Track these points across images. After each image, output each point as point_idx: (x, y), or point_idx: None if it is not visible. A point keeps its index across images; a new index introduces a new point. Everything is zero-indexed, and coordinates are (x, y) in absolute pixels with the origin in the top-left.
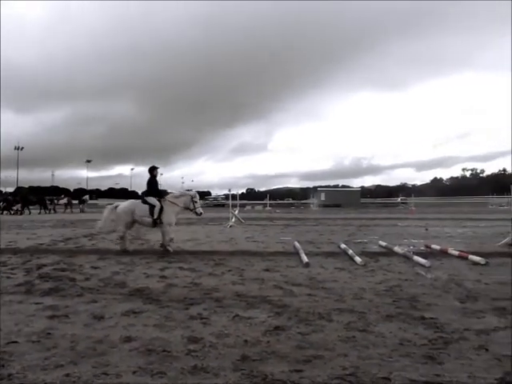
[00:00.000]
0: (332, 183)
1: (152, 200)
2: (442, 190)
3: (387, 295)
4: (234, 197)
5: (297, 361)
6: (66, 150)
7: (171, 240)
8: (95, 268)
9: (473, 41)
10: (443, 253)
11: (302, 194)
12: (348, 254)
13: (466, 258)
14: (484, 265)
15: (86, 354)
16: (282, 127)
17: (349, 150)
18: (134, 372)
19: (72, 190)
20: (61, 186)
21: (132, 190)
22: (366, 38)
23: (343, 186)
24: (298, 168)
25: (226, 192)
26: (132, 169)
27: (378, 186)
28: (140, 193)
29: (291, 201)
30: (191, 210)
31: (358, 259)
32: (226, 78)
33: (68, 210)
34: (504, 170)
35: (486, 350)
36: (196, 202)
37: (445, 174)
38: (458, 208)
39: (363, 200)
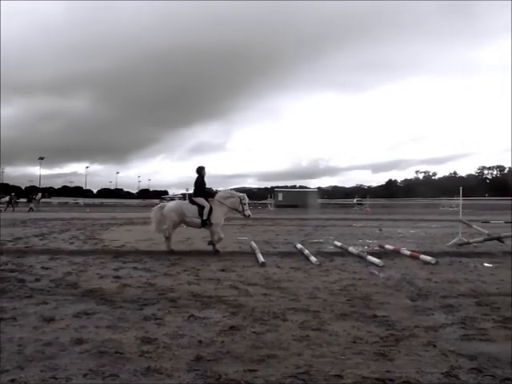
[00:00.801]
0: (290, 184)
1: (201, 200)
2: (396, 192)
3: (341, 294)
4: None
5: (251, 360)
6: (17, 146)
7: (220, 239)
8: (46, 268)
9: (428, 46)
10: (396, 253)
11: (259, 195)
12: (304, 254)
13: (418, 258)
14: (434, 264)
15: (34, 357)
16: (240, 127)
17: (307, 151)
18: (85, 375)
19: (23, 188)
20: (11, 183)
21: (87, 188)
22: (324, 40)
23: (300, 187)
24: (256, 168)
25: (184, 191)
26: (87, 167)
27: (335, 187)
28: (95, 191)
29: (248, 201)
30: (239, 212)
31: (313, 259)
32: (184, 76)
33: (10, 209)
34: (455, 172)
35: (434, 345)
36: (245, 203)
37: (399, 176)
38: (411, 209)
39: (320, 201)
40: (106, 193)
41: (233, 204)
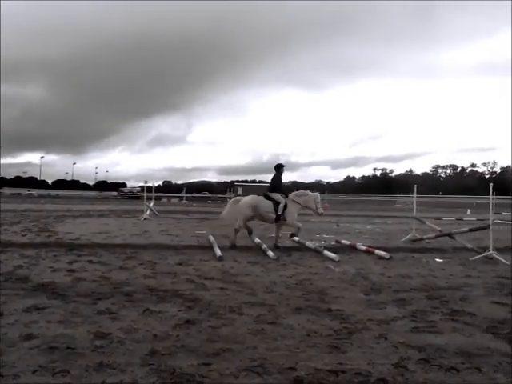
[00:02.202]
0: (250, 178)
1: (277, 196)
2: (355, 188)
3: (297, 288)
4: (149, 189)
5: (206, 354)
6: None
7: (299, 229)
8: None
9: (388, 48)
10: (352, 248)
11: (219, 188)
12: (262, 249)
13: (373, 253)
14: (388, 259)
15: None
16: (202, 120)
17: (268, 146)
18: (34, 372)
19: None
20: None
21: (42, 179)
22: (289, 38)
23: (260, 182)
24: (216, 162)
25: (142, 184)
26: (42, 157)
27: (295, 183)
28: (50, 182)
29: (208, 194)
30: (312, 210)
31: (270, 253)
32: (145, 66)
33: None
34: (411, 170)
35: (386, 338)
36: (318, 202)
37: (358, 172)
38: (368, 205)
39: None
40: (61, 184)
41: (306, 202)
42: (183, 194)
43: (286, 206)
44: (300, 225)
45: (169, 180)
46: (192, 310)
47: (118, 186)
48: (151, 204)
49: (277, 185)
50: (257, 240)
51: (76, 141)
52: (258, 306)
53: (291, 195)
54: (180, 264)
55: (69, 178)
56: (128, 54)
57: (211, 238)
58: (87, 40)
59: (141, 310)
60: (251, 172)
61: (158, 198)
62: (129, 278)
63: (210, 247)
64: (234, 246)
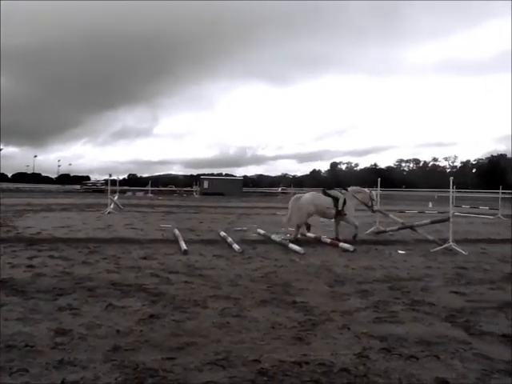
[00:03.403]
0: (216, 171)
1: (335, 192)
2: (320, 182)
3: (262, 281)
4: (114, 182)
5: (170, 349)
6: None
7: (357, 227)
8: None
9: (356, 45)
10: (317, 241)
11: (185, 182)
12: (227, 242)
13: (337, 246)
14: (352, 252)
15: None
16: (168, 112)
17: (234, 139)
18: None
19: None
20: None
21: (1, 172)
22: (257, 31)
23: (227, 175)
24: (182, 155)
25: (106, 177)
26: (0, 149)
27: (261, 176)
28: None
29: (174, 188)
30: (368, 207)
31: (236, 247)
32: (109, 56)
33: None
34: (375, 164)
35: (349, 328)
36: (374, 200)
37: (323, 166)
38: None
39: (246, 189)
40: (21, 177)
41: (363, 198)
42: (148, 188)
43: (345, 202)
44: (357, 223)
45: (134, 173)
46: (156, 304)
47: (82, 180)
48: (115, 197)
49: (335, 182)
50: (222, 233)
51: (37, 133)
52: (223, 299)
53: (350, 191)
54: (144, 258)
55: (29, 171)
56: (92, 46)
57: (176, 232)
58: (50, 31)
59: (104, 306)
60: (218, 165)
61: (122, 192)
62: (91, 273)
63: (175, 241)
64: (297, 241)
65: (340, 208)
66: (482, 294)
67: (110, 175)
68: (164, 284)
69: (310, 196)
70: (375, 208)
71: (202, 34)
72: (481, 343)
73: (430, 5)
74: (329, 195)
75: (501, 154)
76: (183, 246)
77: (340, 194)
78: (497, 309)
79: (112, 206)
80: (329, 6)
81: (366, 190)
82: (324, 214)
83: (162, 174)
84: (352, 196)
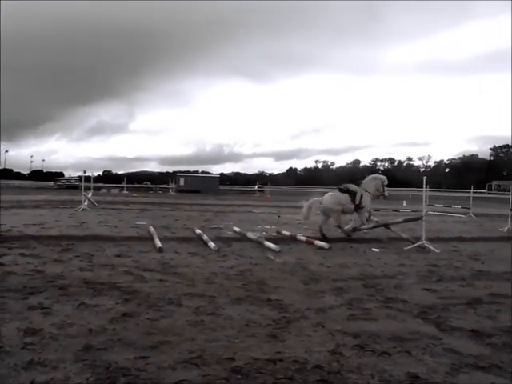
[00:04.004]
0: (192, 169)
1: (353, 187)
2: (297, 180)
3: (237, 279)
4: (88, 179)
5: (143, 347)
6: None
7: (363, 224)
8: None
9: (336, 43)
10: (292, 238)
11: (160, 179)
12: (203, 240)
13: (313, 244)
14: (327, 249)
15: None
16: (144, 109)
17: (211, 136)
18: None
19: None
20: None
21: None
22: (235, 28)
23: (203, 172)
24: (159, 152)
25: (81, 174)
26: None
27: (238, 174)
28: None
29: (149, 185)
30: (380, 193)
31: (211, 244)
32: (84, 52)
33: None
34: (357, 161)
35: (323, 326)
36: (385, 185)
37: (300, 164)
38: (309, 197)
39: (222, 187)
40: None
41: (376, 186)
42: (124, 185)
43: (361, 196)
44: (365, 219)
45: (109, 170)
46: (130, 302)
47: (55, 176)
48: (90, 194)
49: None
50: (198, 231)
51: (9, 127)
52: (198, 297)
53: (364, 183)
54: (118, 256)
55: (0, 167)
56: (66, 39)
57: (151, 229)
58: (22, 20)
59: (76, 304)
60: (194, 162)
61: (97, 189)
62: (64, 271)
63: (150, 238)
64: (325, 238)
65: (357, 202)
66: (453, 291)
67: (85, 171)
68: (138, 282)
69: (332, 197)
70: (386, 193)
71: (181, 30)
72: (451, 338)
73: (410, 4)
74: (345, 191)
75: (472, 154)
76: (158, 243)
77: (357, 188)
78: (466, 305)
79: (86, 202)
80: (309, 5)
81: (378, 176)
82: (344, 210)
83: (137, 170)
84: (365, 191)
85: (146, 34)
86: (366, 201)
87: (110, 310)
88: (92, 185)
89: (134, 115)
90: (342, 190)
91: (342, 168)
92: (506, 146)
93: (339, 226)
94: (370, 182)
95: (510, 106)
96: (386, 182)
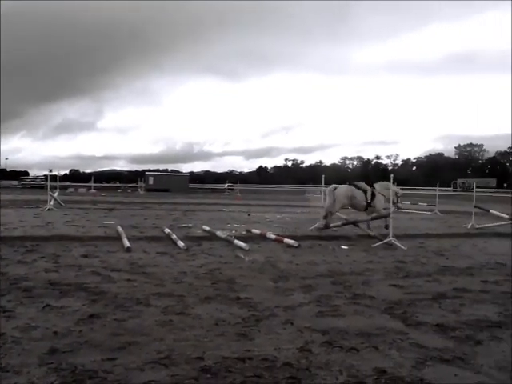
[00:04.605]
0: (162, 167)
1: (364, 185)
2: (267, 178)
3: (207, 278)
4: (54, 178)
5: (111, 349)
6: None
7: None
8: None
9: (306, 42)
10: (262, 237)
11: (129, 178)
12: (171, 239)
13: (282, 242)
14: (297, 247)
15: None
16: (113, 106)
17: (181, 134)
18: None
19: None
20: None
21: None
22: (205, 26)
23: (173, 171)
24: (127, 150)
25: (46, 172)
26: None
27: (207, 172)
28: None
29: (118, 184)
30: (393, 203)
31: (180, 243)
32: (50, 47)
33: None
34: (320, 161)
35: (292, 323)
36: (399, 196)
37: (270, 163)
38: (279, 195)
39: (192, 185)
40: None
41: (388, 194)
42: (91, 184)
43: (374, 195)
44: (385, 212)
45: (76, 168)
46: (97, 303)
47: (20, 175)
48: (56, 194)
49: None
50: (167, 230)
51: None
52: (167, 296)
53: (377, 186)
54: (85, 256)
55: None
56: (32, 35)
57: (119, 229)
58: None
59: (40, 307)
60: (164, 161)
61: (63, 188)
62: (28, 273)
63: (118, 238)
64: (327, 227)
65: (369, 200)
66: (419, 286)
67: (51, 170)
68: (105, 282)
69: (345, 189)
70: (399, 205)
71: (151, 27)
72: (416, 333)
73: (377, 5)
74: (359, 188)
75: (438, 153)
76: (126, 243)
77: (368, 187)
78: (432, 300)
79: (52, 202)
80: (281, 4)
81: (393, 186)
82: (355, 206)
83: (106, 169)
84: (379, 192)
85: (115, 32)
86: (379, 201)
87: (77, 311)
88: (58, 184)
89: (103, 113)
90: (356, 186)
91: (311, 166)
92: (470, 144)
93: (331, 213)
94: (385, 190)
95: (474, 106)
96: (400, 194)
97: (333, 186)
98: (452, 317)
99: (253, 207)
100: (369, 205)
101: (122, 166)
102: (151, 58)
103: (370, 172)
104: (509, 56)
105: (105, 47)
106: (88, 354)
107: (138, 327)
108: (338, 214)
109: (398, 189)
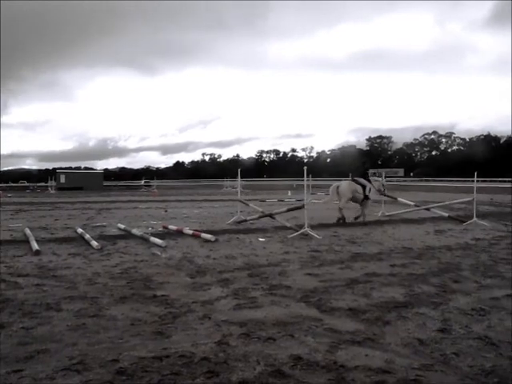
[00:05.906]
0: (74, 165)
1: (363, 181)
2: (184, 173)
3: (122, 277)
4: None
5: (17, 360)
6: None
7: (365, 215)
8: None
9: (223, 37)
10: (179, 233)
11: (39, 177)
12: (84, 239)
13: (199, 237)
14: (214, 242)
15: None
16: (18, 100)
17: (95, 130)
18: None
19: None
20: None
21: None
22: (121, 20)
23: (86, 168)
24: (36, 147)
25: None
26: None
27: (123, 169)
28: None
29: (26, 183)
30: (381, 192)
31: (94, 243)
32: None
33: None
34: (238, 155)
35: (209, 318)
36: (384, 186)
37: (187, 158)
38: (196, 190)
39: (106, 183)
40: None
41: (378, 186)
42: None
43: (370, 189)
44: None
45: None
46: (1, 312)
47: None
48: None
49: (362, 172)
50: (79, 230)
51: None
52: (79, 299)
53: (371, 180)
54: None
55: None
56: None
57: (27, 231)
58: None
59: None
60: (76, 158)
61: None
62: None
63: (26, 241)
64: (343, 220)
65: (367, 193)
66: (333, 274)
67: None
68: (11, 289)
69: (348, 185)
70: (385, 192)
71: (61, 18)
72: (330, 318)
73: (296, 4)
74: (359, 183)
75: (351, 145)
76: (35, 246)
77: (367, 182)
78: (345, 286)
79: None
80: None
81: (379, 178)
82: (355, 199)
83: (12, 168)
84: (372, 185)
85: (22, 20)
86: (373, 193)
87: None
88: None
89: (8, 107)
90: (356, 182)
91: (229, 160)
92: (380, 136)
93: (341, 209)
94: (375, 182)
95: (383, 101)
96: (384, 182)
97: (336, 183)
98: (363, 300)
99: (170, 203)
100: (366, 197)
101: (31, 165)
102: (62, 51)
103: (286, 165)
104: (414, 53)
105: (10, 37)
106: None
107: (48, 334)
108: (254, 206)
109: (384, 181)
